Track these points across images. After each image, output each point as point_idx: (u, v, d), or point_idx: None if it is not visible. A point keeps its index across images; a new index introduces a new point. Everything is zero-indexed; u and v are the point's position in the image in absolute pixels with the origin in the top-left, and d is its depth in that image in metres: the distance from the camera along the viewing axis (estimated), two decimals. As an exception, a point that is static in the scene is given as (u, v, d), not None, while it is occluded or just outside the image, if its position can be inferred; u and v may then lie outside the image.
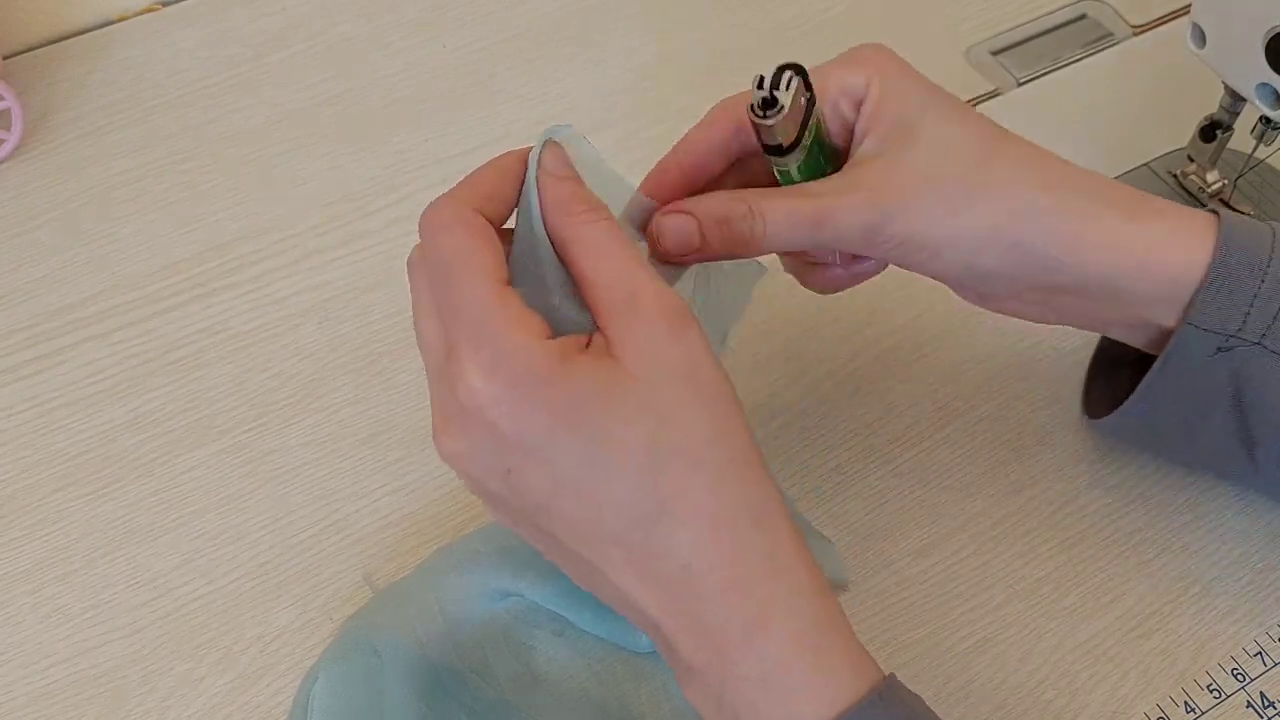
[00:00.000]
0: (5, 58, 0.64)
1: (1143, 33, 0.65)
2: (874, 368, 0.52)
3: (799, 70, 0.38)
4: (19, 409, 0.51)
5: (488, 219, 0.34)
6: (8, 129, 0.60)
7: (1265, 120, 0.51)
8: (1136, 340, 0.43)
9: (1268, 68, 0.46)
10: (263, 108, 0.62)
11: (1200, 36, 0.49)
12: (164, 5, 0.68)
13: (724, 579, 0.32)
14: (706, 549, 0.32)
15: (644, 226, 0.39)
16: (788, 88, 0.37)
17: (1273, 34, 0.45)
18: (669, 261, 0.39)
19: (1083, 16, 0.67)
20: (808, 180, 0.39)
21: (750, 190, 0.39)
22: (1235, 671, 0.43)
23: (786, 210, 0.38)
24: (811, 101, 0.38)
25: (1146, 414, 0.43)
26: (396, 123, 0.62)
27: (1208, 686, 0.43)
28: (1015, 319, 0.51)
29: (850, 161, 0.40)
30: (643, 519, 0.32)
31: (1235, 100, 0.51)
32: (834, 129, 0.40)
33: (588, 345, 0.33)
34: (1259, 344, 0.39)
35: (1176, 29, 0.65)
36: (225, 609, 0.45)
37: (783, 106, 0.37)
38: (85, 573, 0.46)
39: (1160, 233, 0.40)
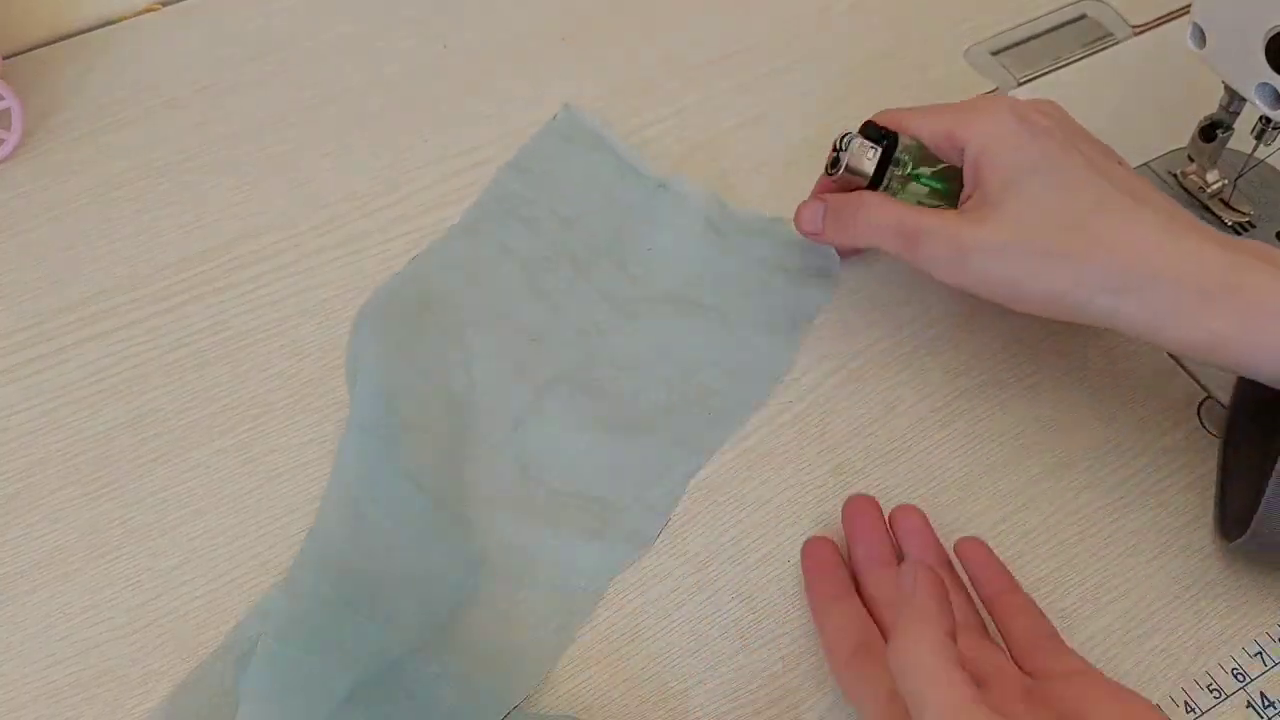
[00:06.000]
0: (5, 58, 0.64)
1: (1143, 33, 0.65)
2: (874, 368, 0.52)
3: (873, 137, 0.49)
4: (19, 408, 0.51)
5: None
6: (8, 129, 0.60)
7: (1265, 120, 0.51)
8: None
9: (1268, 68, 0.46)
10: (263, 108, 0.62)
11: (1200, 36, 0.49)
12: (164, 5, 0.68)
13: None
14: None
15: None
16: (847, 148, 0.49)
17: (1273, 34, 0.45)
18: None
19: (1083, 16, 0.67)
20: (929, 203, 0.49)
21: (856, 193, 0.49)
22: (1235, 671, 0.43)
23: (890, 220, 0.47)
24: (888, 151, 0.49)
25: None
26: (396, 123, 0.62)
27: (1208, 686, 0.43)
28: (1018, 318, 0.52)
29: (959, 205, 0.47)
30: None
31: (1235, 100, 0.51)
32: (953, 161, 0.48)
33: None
34: None
35: (1176, 29, 0.65)
36: (225, 609, 0.45)
37: (842, 165, 0.49)
38: (85, 573, 0.46)
39: (1235, 326, 0.40)
